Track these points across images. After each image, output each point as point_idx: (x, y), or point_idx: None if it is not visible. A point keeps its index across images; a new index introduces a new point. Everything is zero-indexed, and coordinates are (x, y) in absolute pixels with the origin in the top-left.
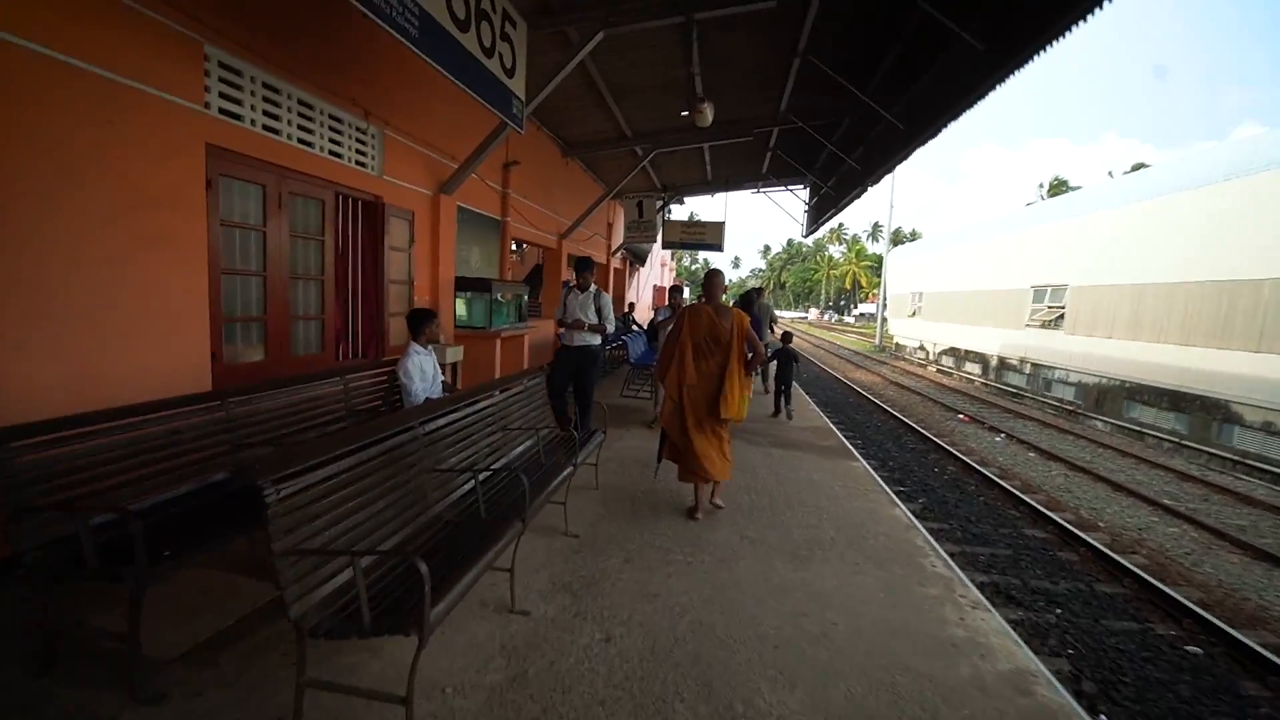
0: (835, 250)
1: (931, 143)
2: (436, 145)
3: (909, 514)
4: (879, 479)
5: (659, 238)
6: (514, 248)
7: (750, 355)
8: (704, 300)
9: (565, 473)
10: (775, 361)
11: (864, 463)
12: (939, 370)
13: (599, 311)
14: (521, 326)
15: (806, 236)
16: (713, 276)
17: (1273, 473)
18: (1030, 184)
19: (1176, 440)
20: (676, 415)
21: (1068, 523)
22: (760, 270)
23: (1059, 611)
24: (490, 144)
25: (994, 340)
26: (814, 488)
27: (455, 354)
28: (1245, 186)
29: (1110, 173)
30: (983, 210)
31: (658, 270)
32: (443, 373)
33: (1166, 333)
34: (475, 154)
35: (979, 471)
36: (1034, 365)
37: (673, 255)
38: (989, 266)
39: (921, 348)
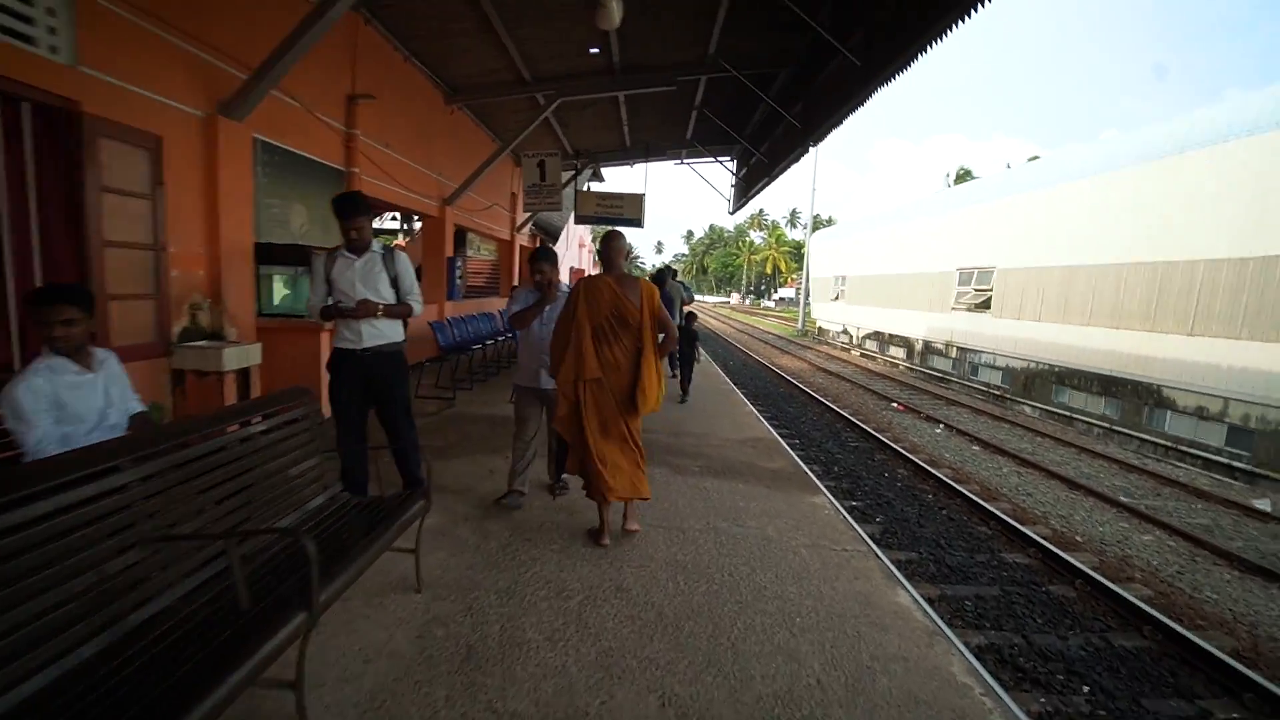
0: (756, 236)
1: (840, 132)
2: (208, 39)
3: (921, 602)
4: (857, 527)
5: (566, 208)
6: (402, 228)
7: (662, 338)
8: (603, 271)
9: (381, 541)
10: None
11: (827, 496)
12: (863, 354)
13: (395, 282)
14: None
15: (734, 212)
16: (611, 239)
17: (1204, 458)
18: (932, 176)
19: (1107, 425)
20: (574, 417)
21: (1045, 539)
22: (682, 255)
23: (1087, 690)
24: (302, 40)
25: (919, 324)
26: (771, 555)
27: (245, 356)
28: (1185, 163)
29: (1008, 164)
30: (891, 199)
31: (575, 251)
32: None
33: (1097, 316)
34: (275, 57)
35: (931, 475)
36: (960, 349)
37: (592, 235)
38: (913, 249)
39: (845, 332)
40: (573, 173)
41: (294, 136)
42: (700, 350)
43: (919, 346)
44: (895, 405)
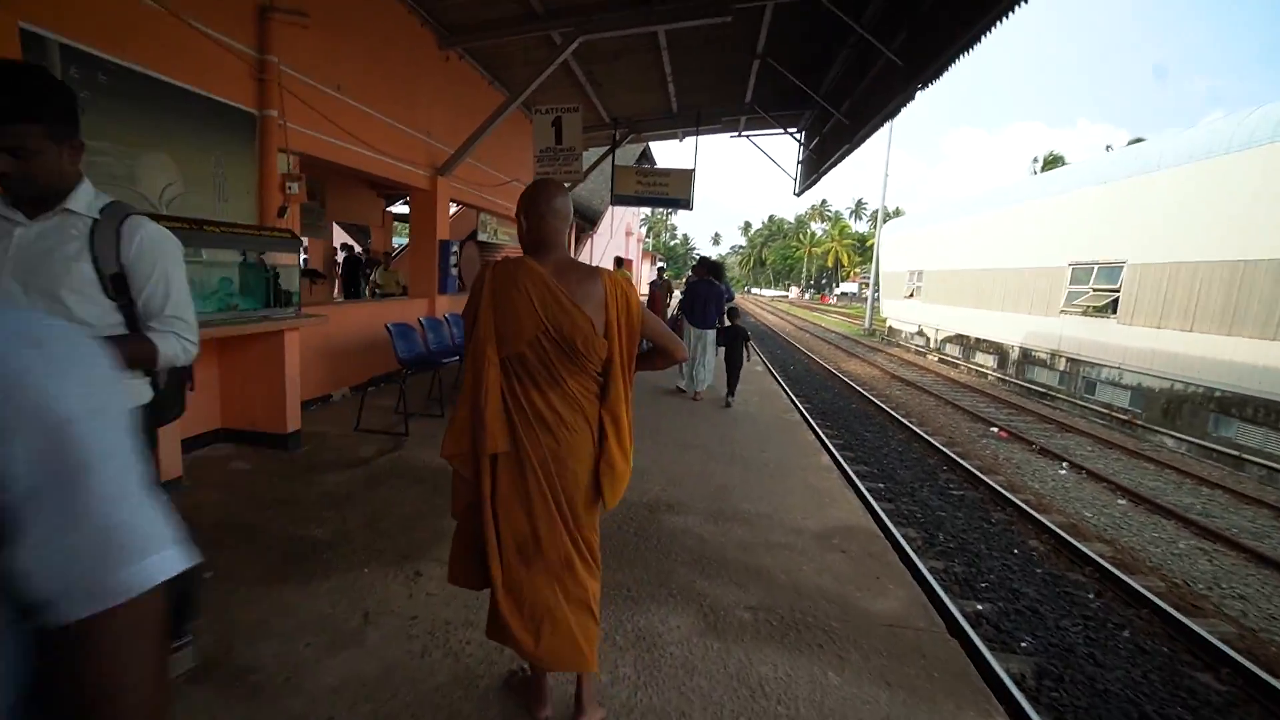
0: (817, 227)
1: (908, 120)
2: None
3: None
4: None
5: (602, 185)
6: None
7: (653, 355)
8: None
9: None
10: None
11: None
12: (941, 360)
13: (118, 285)
14: (282, 316)
15: (800, 192)
16: (541, 193)
17: None
18: (1011, 165)
19: None
20: (473, 518)
21: None
22: (740, 247)
23: None
24: None
25: (1015, 328)
26: None
27: None
28: None
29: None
30: (965, 190)
31: (620, 239)
32: None
33: None
34: None
35: (1082, 553)
36: (1071, 361)
37: (646, 222)
38: (1008, 241)
39: (920, 333)
40: (609, 145)
41: (145, 49)
42: (752, 350)
43: (1014, 355)
44: (997, 431)
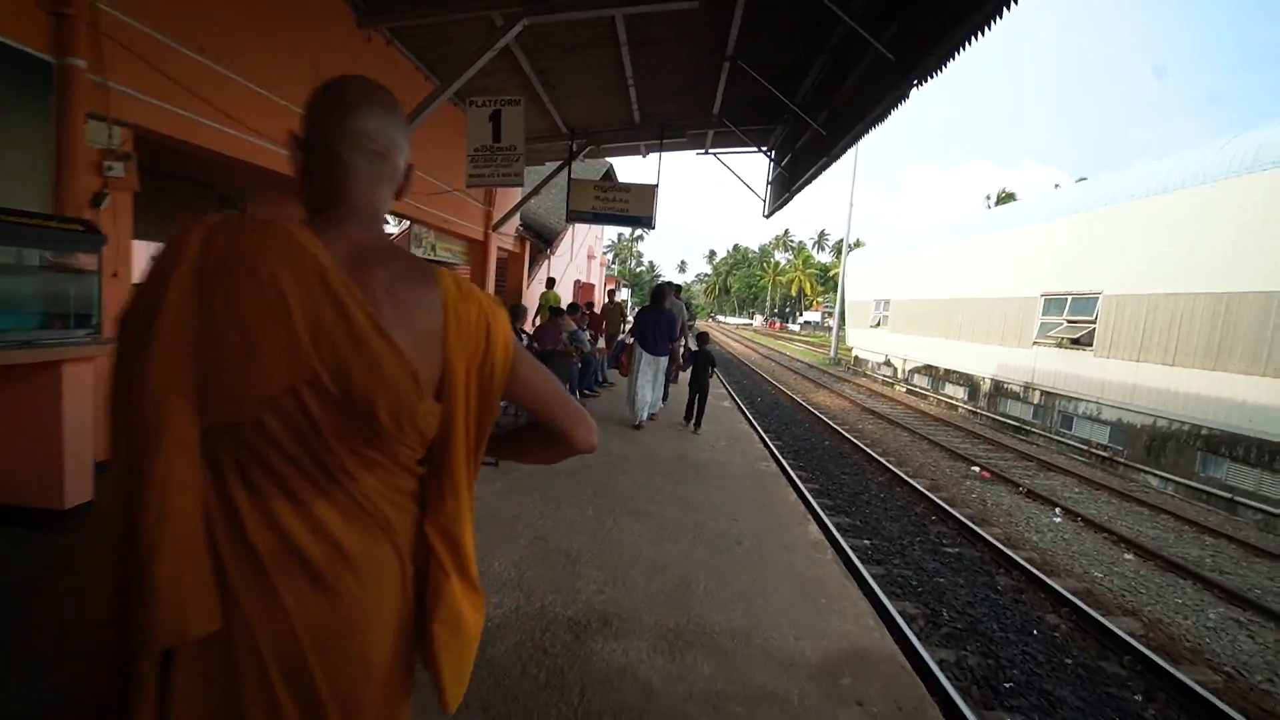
0: (781, 257)
1: (868, 156)
2: None
3: None
4: None
5: (556, 200)
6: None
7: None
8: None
9: None
10: (691, 367)
11: None
12: (909, 390)
13: None
14: (60, 342)
15: (770, 215)
16: (334, 92)
17: None
18: (963, 201)
19: None
20: None
21: None
22: (705, 275)
23: None
24: None
25: (986, 360)
26: None
27: None
28: None
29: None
30: (923, 223)
31: (582, 261)
32: None
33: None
34: None
35: (1113, 633)
36: (1045, 394)
37: (608, 248)
38: (978, 271)
39: (887, 363)
40: (565, 157)
41: None
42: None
43: (986, 387)
44: (979, 471)
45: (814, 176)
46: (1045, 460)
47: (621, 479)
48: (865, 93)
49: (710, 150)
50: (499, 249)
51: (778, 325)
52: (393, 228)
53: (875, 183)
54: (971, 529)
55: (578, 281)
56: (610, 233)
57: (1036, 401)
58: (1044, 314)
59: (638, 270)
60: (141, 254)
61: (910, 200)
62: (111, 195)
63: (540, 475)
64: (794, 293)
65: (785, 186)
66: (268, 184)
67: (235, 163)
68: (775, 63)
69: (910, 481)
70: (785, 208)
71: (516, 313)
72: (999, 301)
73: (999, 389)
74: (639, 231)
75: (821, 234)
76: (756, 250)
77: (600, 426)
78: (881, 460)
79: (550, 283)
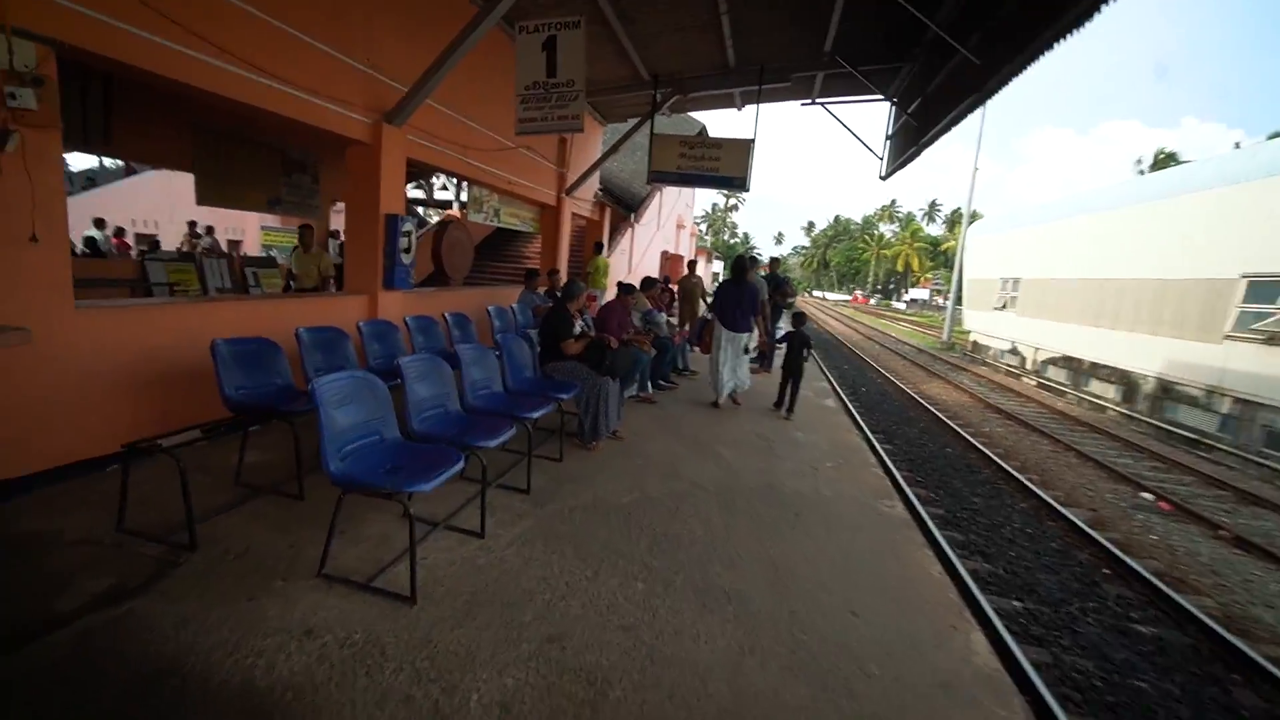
0: (886, 229)
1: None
2: None
3: None
4: None
5: (638, 159)
6: (458, 197)
7: None
8: None
9: None
10: (785, 345)
11: None
12: (1041, 384)
13: None
14: None
15: (887, 176)
16: None
17: None
18: (1104, 169)
19: None
20: None
21: None
22: (803, 248)
23: None
24: None
25: (1150, 354)
26: None
27: None
28: None
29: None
30: (1052, 194)
31: (670, 233)
32: None
33: None
34: None
35: None
36: (1242, 402)
37: (702, 219)
38: (1142, 245)
39: (1014, 351)
40: (649, 109)
41: None
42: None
43: (1148, 387)
44: (1153, 499)
45: (957, 120)
46: (1244, 490)
47: (691, 523)
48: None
49: (818, 100)
50: (575, 216)
51: (863, 299)
52: (448, 192)
53: (993, 151)
54: (1167, 594)
55: (665, 253)
56: (703, 201)
57: (1227, 411)
58: (1246, 300)
59: (731, 242)
60: (213, 220)
61: (1036, 168)
62: (21, 135)
63: (582, 516)
64: (900, 268)
65: (912, 139)
66: (335, 148)
67: (246, 108)
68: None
69: (1063, 512)
70: (903, 169)
71: (568, 291)
72: (1173, 283)
73: (1168, 391)
74: (733, 199)
75: (932, 205)
76: (859, 222)
77: (676, 419)
78: (1020, 478)
79: (598, 248)
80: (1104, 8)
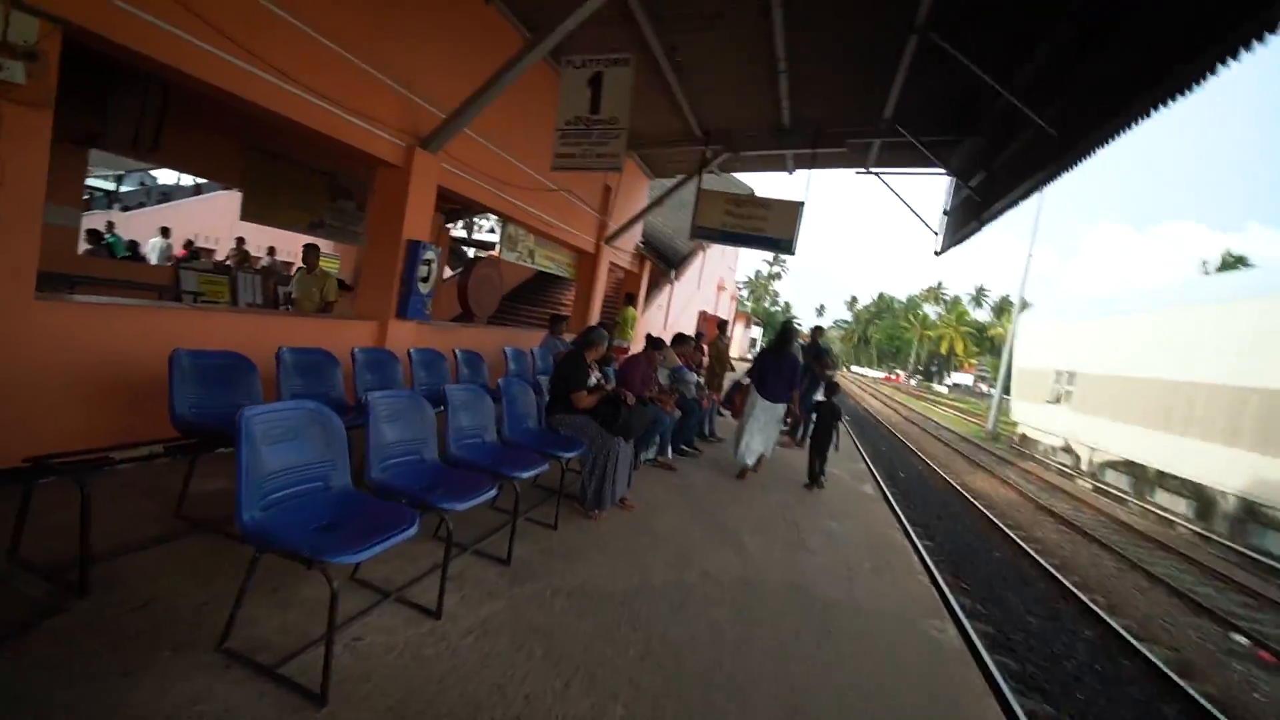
0: (930, 310)
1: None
2: None
3: None
4: None
5: (679, 216)
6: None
7: None
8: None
9: None
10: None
11: None
12: (1097, 488)
13: None
14: None
15: (942, 252)
16: None
17: None
18: (1161, 267)
19: None
20: None
21: None
22: (845, 322)
23: None
24: None
25: (1232, 468)
26: None
27: None
28: None
29: None
30: (1109, 287)
31: (710, 294)
32: None
33: None
34: None
35: None
36: None
37: (743, 285)
38: (1222, 347)
39: (1067, 449)
40: (697, 166)
41: None
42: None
43: (1227, 506)
44: (1249, 645)
45: (1025, 194)
46: None
47: (697, 627)
48: (1139, 67)
49: (872, 169)
50: (614, 266)
51: (897, 378)
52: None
53: (1047, 240)
54: None
55: (703, 313)
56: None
57: None
58: None
59: (772, 310)
60: (259, 237)
61: (1091, 263)
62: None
63: (566, 603)
64: (944, 350)
65: (972, 214)
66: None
67: (273, 116)
68: (981, 40)
69: (1139, 648)
70: (958, 246)
71: (587, 338)
72: (1255, 392)
73: (1253, 513)
74: (776, 265)
75: (979, 290)
76: (903, 300)
77: (695, 492)
78: (1082, 597)
79: (628, 299)
80: (1231, 61)
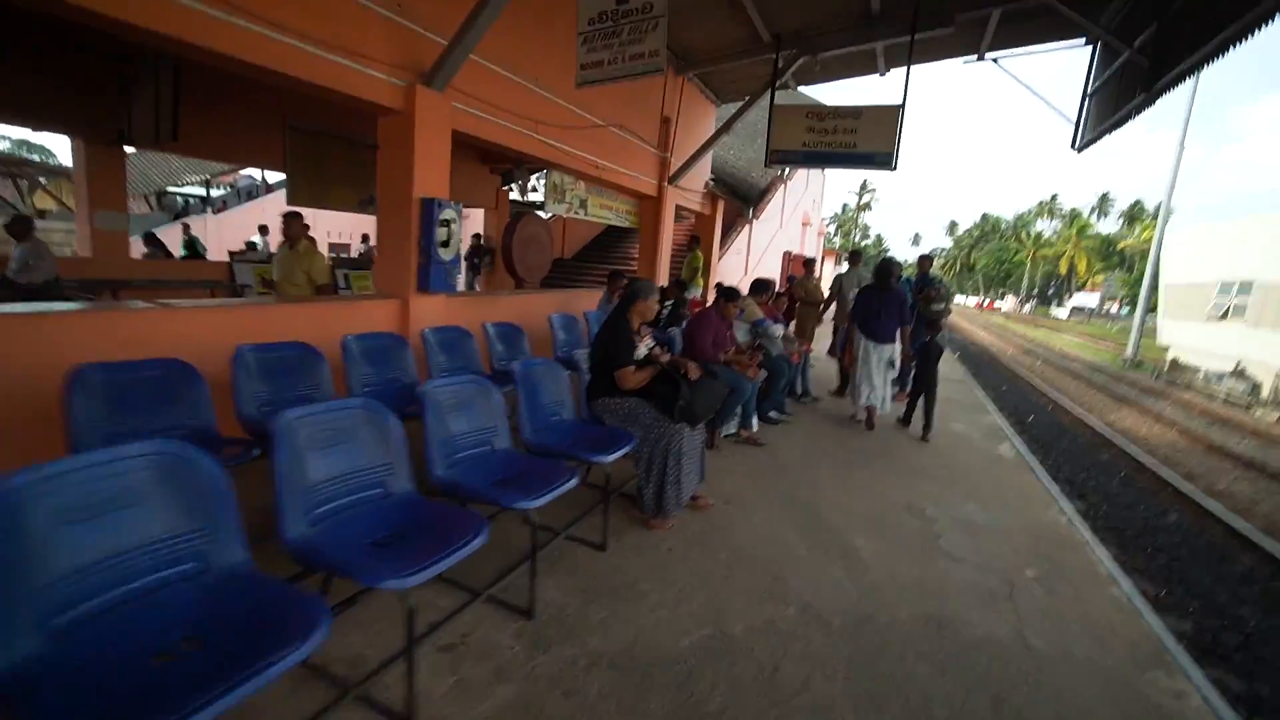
0: (1045, 226)
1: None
2: None
3: None
4: None
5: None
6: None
7: None
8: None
9: None
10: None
11: None
12: None
13: None
14: None
15: (1083, 147)
16: None
17: None
18: None
19: None
20: None
21: None
22: (944, 250)
23: None
24: None
25: None
26: None
27: None
28: None
29: None
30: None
31: (795, 231)
32: None
33: None
34: None
35: None
36: None
37: (831, 219)
38: None
39: (1240, 374)
40: (768, 78)
41: None
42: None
43: None
44: None
45: (1227, 45)
46: None
47: (797, 710)
48: None
49: (987, 54)
50: (681, 209)
51: (990, 305)
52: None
53: (1193, 127)
54: None
55: (788, 254)
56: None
57: None
58: None
59: (863, 244)
60: (336, 224)
61: (1250, 149)
62: None
63: (603, 680)
64: (1063, 270)
65: (1132, 86)
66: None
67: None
68: None
69: None
70: (1129, 122)
71: (632, 292)
72: None
73: None
74: (865, 196)
75: (1103, 198)
76: (1011, 220)
77: (789, 474)
78: None
79: (693, 242)
80: None
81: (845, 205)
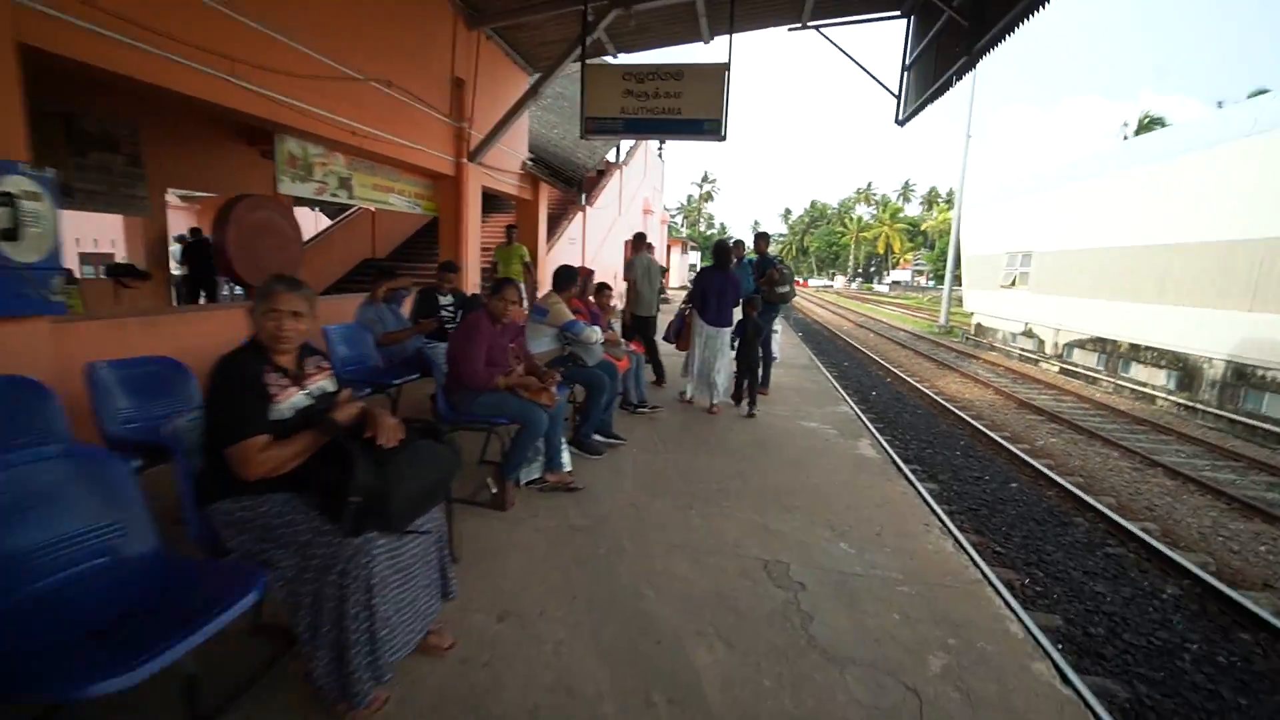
0: (863, 211)
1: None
2: None
3: None
4: None
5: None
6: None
7: None
8: None
9: None
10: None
11: None
12: (1064, 370)
13: None
14: None
15: (905, 121)
16: None
17: None
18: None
19: None
20: None
21: None
22: (780, 236)
23: None
24: None
25: (1218, 332)
26: None
27: None
28: None
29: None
30: (1025, 168)
31: (636, 217)
32: None
33: None
34: None
35: None
36: None
37: (676, 211)
38: (1200, 203)
39: (1028, 334)
40: (578, 36)
41: None
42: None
43: (1213, 372)
44: None
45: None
46: None
47: None
48: None
49: (810, 23)
50: (496, 193)
51: (803, 284)
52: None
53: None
54: None
55: (628, 243)
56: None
57: None
58: None
59: (708, 233)
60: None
61: (999, 145)
62: None
63: None
64: (881, 250)
65: (951, 53)
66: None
67: None
68: None
69: (1196, 571)
70: (945, 94)
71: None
72: (1246, 245)
73: (1244, 376)
74: (706, 187)
75: (906, 185)
76: (836, 207)
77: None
78: (1135, 530)
79: (510, 232)
80: None
81: (690, 196)
